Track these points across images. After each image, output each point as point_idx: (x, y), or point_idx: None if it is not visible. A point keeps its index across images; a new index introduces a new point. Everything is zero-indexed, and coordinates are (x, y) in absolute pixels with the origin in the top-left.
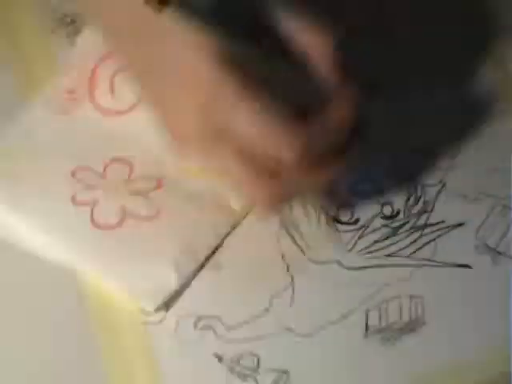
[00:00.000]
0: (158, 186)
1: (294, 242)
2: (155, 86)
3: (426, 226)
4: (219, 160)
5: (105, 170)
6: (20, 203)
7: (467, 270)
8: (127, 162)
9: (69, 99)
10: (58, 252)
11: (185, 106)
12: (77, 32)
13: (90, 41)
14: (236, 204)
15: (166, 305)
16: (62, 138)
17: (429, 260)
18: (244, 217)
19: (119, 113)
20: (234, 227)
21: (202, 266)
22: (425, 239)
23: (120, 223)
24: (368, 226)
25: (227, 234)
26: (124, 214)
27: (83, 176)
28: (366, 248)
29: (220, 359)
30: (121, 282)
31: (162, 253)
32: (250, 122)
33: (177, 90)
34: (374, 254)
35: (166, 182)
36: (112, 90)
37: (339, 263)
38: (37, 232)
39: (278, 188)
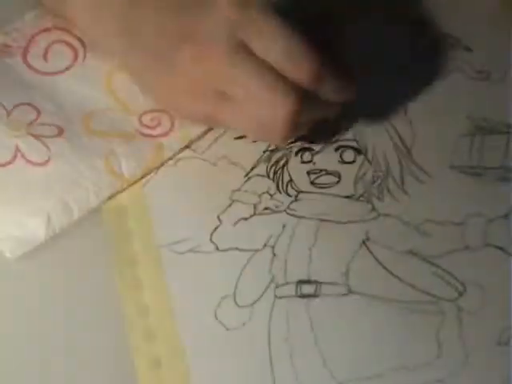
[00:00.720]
0: (58, 134)
1: None
2: None
3: None
4: (243, 75)
5: (13, 108)
6: None
7: None
8: (36, 109)
9: (2, 50)
10: None
11: (213, 18)
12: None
13: (36, 14)
14: (128, 172)
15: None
16: None
17: None
18: (130, 185)
19: (44, 73)
20: (116, 193)
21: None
22: None
23: (8, 163)
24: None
25: (109, 199)
26: (15, 155)
27: None
28: None
29: None
30: None
31: (39, 203)
32: (275, 38)
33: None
34: None
35: (67, 133)
36: (45, 56)
37: None
38: None
39: (298, 105)
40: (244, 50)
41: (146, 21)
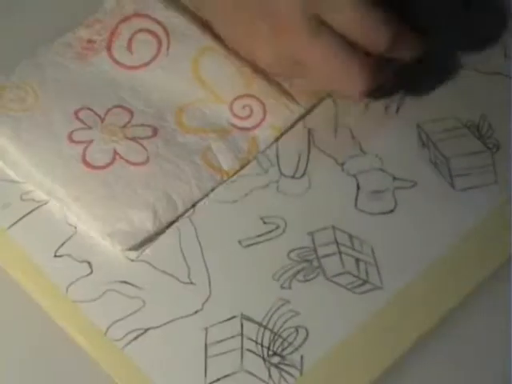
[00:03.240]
0: (153, 134)
1: None
2: None
3: None
4: (320, 40)
5: (106, 113)
6: (20, 136)
7: None
8: (128, 110)
9: (87, 48)
10: (43, 184)
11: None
12: None
13: (116, 0)
14: (226, 165)
15: (139, 246)
16: (72, 79)
17: None
18: (231, 177)
19: (131, 68)
20: (218, 185)
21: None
22: None
23: (108, 165)
24: None
25: (211, 190)
26: (114, 157)
27: (84, 116)
28: None
29: None
30: (99, 220)
31: (143, 197)
32: (350, 10)
33: None
34: None
35: (162, 132)
36: (129, 47)
37: None
38: (30, 164)
39: (371, 80)
40: (319, 24)
41: None
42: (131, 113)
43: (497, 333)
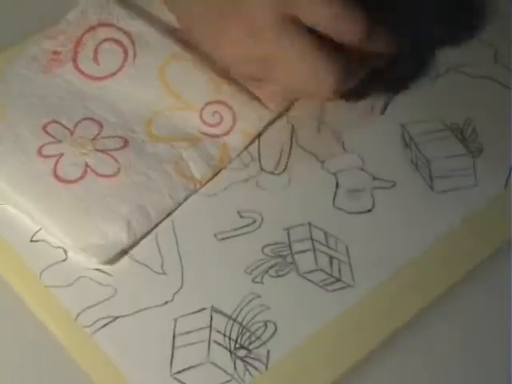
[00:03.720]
0: (124, 146)
1: None
2: None
3: None
4: (291, 41)
5: (75, 126)
6: None
7: None
8: (97, 122)
9: (52, 59)
10: (13, 199)
11: None
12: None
13: (80, 10)
14: (199, 173)
15: (115, 259)
16: (38, 92)
17: None
18: (203, 185)
19: (98, 78)
20: (192, 194)
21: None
22: None
23: (80, 179)
24: None
25: (185, 200)
26: (85, 170)
27: (53, 130)
28: None
29: None
30: (71, 235)
31: (116, 210)
32: (323, 5)
33: None
34: None
35: (132, 143)
36: (95, 58)
37: None
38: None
39: (342, 73)
40: (290, 21)
41: None
42: (100, 125)
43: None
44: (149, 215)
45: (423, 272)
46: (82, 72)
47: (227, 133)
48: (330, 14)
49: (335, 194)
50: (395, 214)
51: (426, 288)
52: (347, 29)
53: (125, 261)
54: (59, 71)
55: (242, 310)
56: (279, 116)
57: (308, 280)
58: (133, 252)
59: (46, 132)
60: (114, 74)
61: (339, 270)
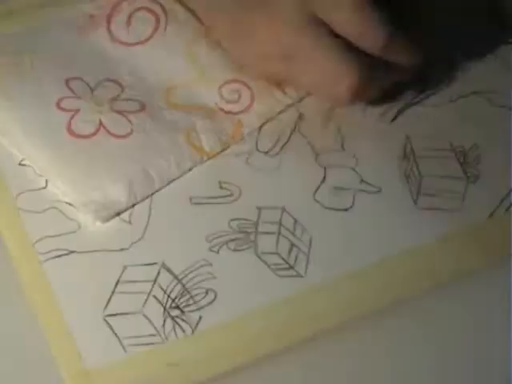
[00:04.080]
0: (141, 109)
1: None
2: None
3: None
4: (315, 40)
5: (97, 85)
6: (12, 98)
7: None
8: (119, 84)
9: (87, 22)
10: (23, 145)
11: None
12: None
13: None
14: (208, 146)
15: (111, 218)
16: (68, 51)
17: None
18: (210, 158)
19: (128, 44)
20: (197, 165)
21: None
22: None
23: (92, 135)
24: None
25: (189, 170)
26: (98, 128)
27: (75, 86)
28: None
29: None
30: (74, 189)
31: (120, 170)
32: (345, 8)
33: None
34: None
35: (149, 108)
36: (128, 24)
37: None
38: (15, 125)
39: (361, 77)
40: (314, 21)
41: None
42: (121, 87)
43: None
44: (152, 180)
45: (372, 281)
46: (113, 36)
47: (243, 111)
48: (352, 16)
49: (318, 187)
50: (369, 219)
51: (365, 299)
52: (369, 33)
53: None
54: (92, 33)
55: (190, 273)
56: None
57: (262, 260)
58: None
59: (68, 87)
60: (144, 41)
61: (296, 258)
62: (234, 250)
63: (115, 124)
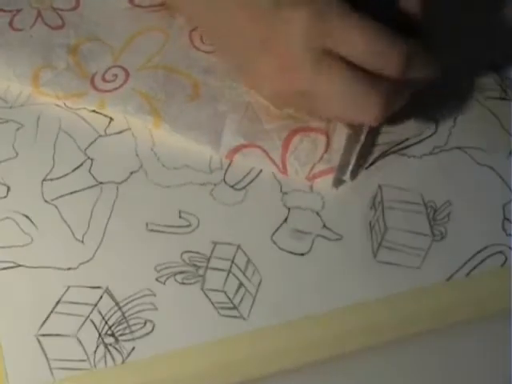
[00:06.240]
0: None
1: None
2: None
3: None
4: (328, 77)
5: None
6: None
7: None
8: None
9: None
10: None
11: (293, 28)
12: None
13: None
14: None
15: None
16: None
17: None
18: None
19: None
20: None
21: None
22: None
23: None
24: None
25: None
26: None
27: None
28: None
29: None
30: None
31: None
32: (359, 40)
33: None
34: None
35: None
36: None
37: None
38: None
39: (388, 104)
40: (329, 56)
41: (223, 22)
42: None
43: None
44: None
45: (313, 332)
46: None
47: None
48: (366, 49)
49: (278, 228)
50: (323, 268)
51: (301, 350)
52: (384, 64)
53: (54, 216)
54: None
55: (132, 301)
56: None
57: (207, 297)
58: (65, 212)
59: None
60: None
61: (241, 299)
62: (181, 284)
63: (51, 18)
